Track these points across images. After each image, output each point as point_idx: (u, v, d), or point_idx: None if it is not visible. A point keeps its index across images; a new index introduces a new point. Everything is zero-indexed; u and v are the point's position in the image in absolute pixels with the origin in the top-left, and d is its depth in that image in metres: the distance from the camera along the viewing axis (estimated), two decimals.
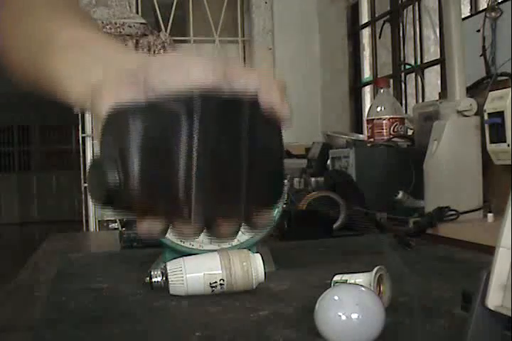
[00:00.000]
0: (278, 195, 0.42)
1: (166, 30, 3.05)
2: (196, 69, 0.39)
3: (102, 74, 0.42)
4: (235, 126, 0.39)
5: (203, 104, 0.38)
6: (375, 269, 0.72)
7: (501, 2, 1.70)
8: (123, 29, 2.91)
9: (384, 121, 1.88)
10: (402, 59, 2.65)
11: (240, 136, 0.39)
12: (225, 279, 0.80)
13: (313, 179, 1.62)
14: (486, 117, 1.35)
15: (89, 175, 0.40)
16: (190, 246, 0.89)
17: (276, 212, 0.93)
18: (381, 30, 2.81)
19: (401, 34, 2.65)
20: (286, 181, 1.43)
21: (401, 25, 2.65)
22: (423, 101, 2.37)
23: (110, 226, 2.63)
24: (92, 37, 0.48)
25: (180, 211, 0.39)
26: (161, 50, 2.94)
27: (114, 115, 0.39)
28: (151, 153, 0.38)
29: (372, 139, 1.90)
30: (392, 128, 1.88)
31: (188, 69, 0.39)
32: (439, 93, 1.93)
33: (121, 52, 0.46)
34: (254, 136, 0.39)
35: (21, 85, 0.52)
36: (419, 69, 2.48)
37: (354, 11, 3.10)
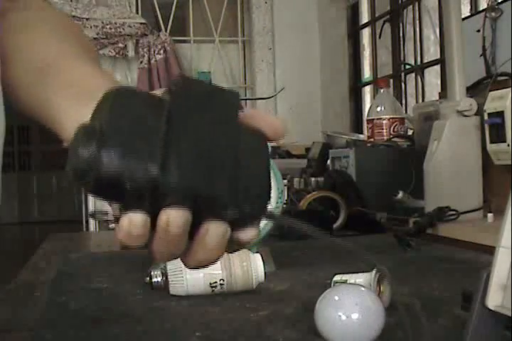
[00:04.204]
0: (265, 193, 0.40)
1: (166, 30, 3.05)
2: None
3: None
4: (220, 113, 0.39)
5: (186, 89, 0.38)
6: (375, 269, 0.72)
7: (501, 2, 1.70)
8: (123, 29, 2.92)
9: (384, 121, 1.88)
10: (402, 59, 2.65)
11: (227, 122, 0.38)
12: (225, 279, 0.80)
13: (313, 179, 1.62)
14: (486, 117, 1.35)
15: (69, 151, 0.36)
16: None
17: (276, 212, 0.93)
18: (381, 30, 2.81)
19: (401, 34, 2.65)
20: (285, 181, 1.43)
21: (401, 25, 2.65)
22: (423, 101, 2.37)
23: (110, 226, 2.63)
24: (88, 71, 0.48)
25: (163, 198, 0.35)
26: (161, 50, 2.94)
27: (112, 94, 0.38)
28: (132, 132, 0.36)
29: (372, 139, 1.90)
30: (392, 128, 1.88)
31: None
32: (439, 93, 1.93)
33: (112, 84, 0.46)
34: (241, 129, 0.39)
35: (17, 109, 0.52)
36: (419, 69, 2.48)
37: (354, 11, 3.10)
